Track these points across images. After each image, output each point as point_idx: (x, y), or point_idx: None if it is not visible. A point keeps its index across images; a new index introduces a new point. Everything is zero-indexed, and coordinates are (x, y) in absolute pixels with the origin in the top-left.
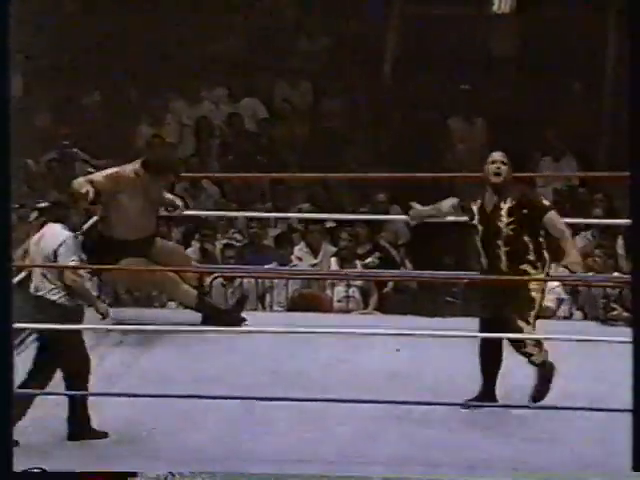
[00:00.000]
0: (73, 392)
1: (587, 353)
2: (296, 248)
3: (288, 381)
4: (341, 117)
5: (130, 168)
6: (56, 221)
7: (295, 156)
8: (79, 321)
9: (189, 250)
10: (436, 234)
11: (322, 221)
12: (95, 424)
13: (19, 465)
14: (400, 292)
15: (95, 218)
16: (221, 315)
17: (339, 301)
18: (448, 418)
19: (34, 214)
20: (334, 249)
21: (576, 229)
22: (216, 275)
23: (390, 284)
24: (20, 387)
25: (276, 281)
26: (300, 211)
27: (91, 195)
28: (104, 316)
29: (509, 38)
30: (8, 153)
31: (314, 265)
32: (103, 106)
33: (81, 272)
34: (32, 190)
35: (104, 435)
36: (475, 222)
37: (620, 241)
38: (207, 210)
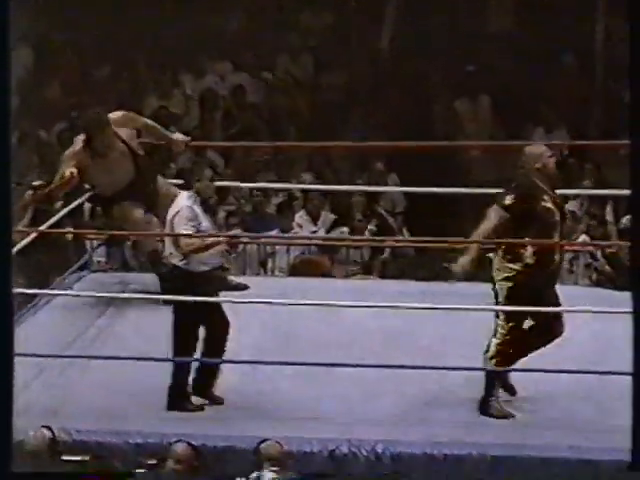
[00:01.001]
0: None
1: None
2: (297, 216)
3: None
4: (341, 90)
5: (79, 143)
6: (186, 189)
7: (295, 127)
8: (209, 286)
9: None
10: (432, 203)
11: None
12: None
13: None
14: (398, 258)
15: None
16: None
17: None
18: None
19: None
20: (333, 216)
21: (566, 197)
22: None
23: (388, 250)
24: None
25: (277, 247)
26: (301, 181)
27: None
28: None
29: (504, 14)
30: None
31: (314, 232)
32: (112, 79)
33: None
34: (42, 160)
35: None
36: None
37: (609, 208)
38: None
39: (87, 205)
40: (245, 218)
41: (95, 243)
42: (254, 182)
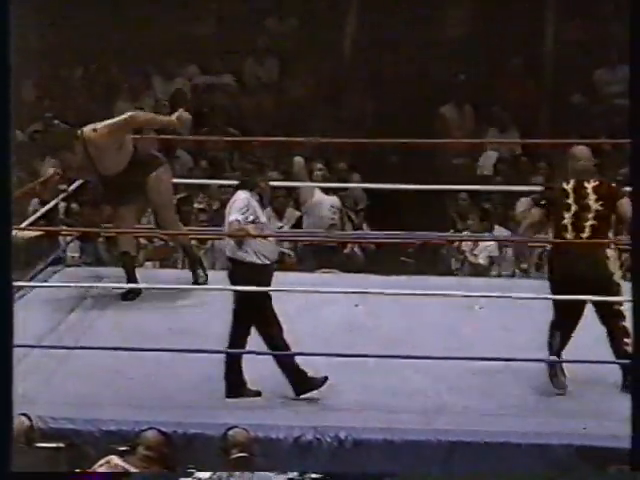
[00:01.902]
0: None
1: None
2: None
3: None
4: (305, 92)
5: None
6: (243, 189)
7: (262, 127)
8: (266, 279)
9: None
10: (392, 200)
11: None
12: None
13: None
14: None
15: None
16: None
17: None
18: (403, 367)
19: None
20: (298, 213)
21: (518, 195)
22: (190, 237)
23: (349, 246)
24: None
25: None
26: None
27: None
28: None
29: (459, 20)
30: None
31: (280, 228)
32: (85, 81)
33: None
34: (18, 160)
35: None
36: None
37: None
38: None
39: (62, 203)
40: (213, 215)
41: (68, 239)
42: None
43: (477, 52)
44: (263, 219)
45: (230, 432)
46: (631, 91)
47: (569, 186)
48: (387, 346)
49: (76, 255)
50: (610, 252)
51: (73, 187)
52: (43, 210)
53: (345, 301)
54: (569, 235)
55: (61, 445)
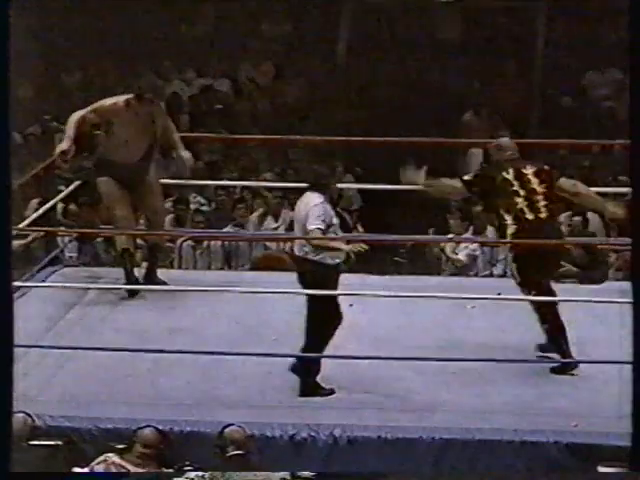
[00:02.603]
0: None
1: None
2: (255, 215)
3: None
4: (300, 95)
5: (123, 99)
6: (313, 190)
7: (257, 130)
8: (336, 277)
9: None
10: (384, 202)
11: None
12: None
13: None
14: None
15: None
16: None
17: None
18: (396, 365)
19: None
20: (292, 214)
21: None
22: (185, 237)
23: None
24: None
25: (241, 243)
26: (265, 180)
27: (71, 152)
28: None
29: (451, 24)
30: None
31: (275, 229)
32: (83, 84)
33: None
34: (15, 161)
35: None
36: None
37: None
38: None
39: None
40: (209, 216)
41: (67, 239)
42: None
43: (469, 56)
44: (335, 221)
45: (227, 430)
46: (631, 91)
47: (510, 175)
48: (381, 345)
49: (74, 255)
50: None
51: (71, 188)
52: (40, 211)
53: (341, 300)
54: (529, 216)
55: (59, 443)
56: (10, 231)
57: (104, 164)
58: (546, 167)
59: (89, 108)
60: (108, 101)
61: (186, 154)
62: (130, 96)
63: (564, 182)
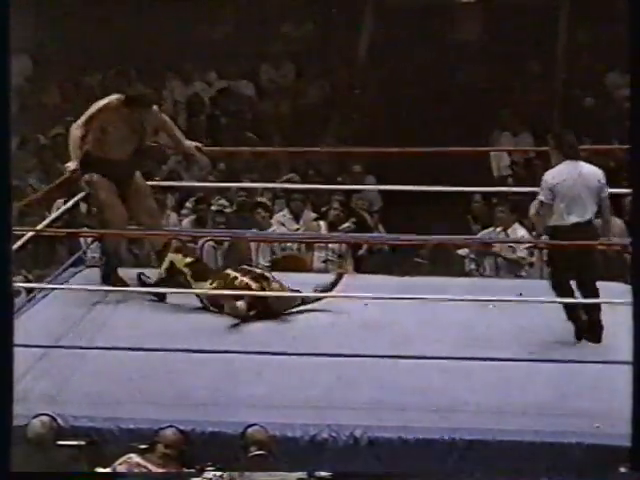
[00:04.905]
0: None
1: None
2: (279, 214)
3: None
4: (321, 96)
5: (115, 97)
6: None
7: (278, 131)
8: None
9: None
10: (405, 202)
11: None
12: None
13: None
14: (373, 254)
15: None
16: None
17: (324, 262)
18: (418, 365)
19: None
20: (314, 215)
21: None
22: (207, 239)
23: (365, 247)
24: None
25: (261, 244)
26: (288, 181)
27: (76, 167)
28: None
29: (472, 24)
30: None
31: (296, 230)
32: (104, 86)
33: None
34: (41, 163)
35: None
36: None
37: None
38: (199, 181)
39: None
40: (230, 217)
41: (89, 240)
42: (240, 182)
43: (490, 56)
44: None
45: (249, 430)
46: (632, 92)
47: None
48: (402, 344)
49: (97, 256)
50: None
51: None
52: (58, 212)
53: (360, 300)
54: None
55: (82, 443)
56: (10, 231)
57: (93, 161)
58: None
59: (82, 119)
60: (100, 102)
61: (191, 144)
62: (121, 96)
63: None
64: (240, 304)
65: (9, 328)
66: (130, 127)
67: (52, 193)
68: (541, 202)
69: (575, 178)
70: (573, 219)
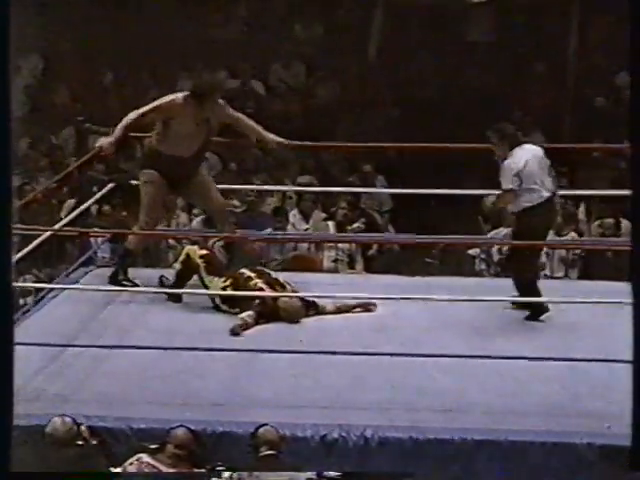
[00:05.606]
0: None
1: None
2: (290, 214)
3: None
4: (332, 96)
5: (181, 95)
6: None
7: (289, 132)
8: None
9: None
10: (416, 202)
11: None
12: None
13: None
14: (383, 254)
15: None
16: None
17: (334, 261)
18: (428, 366)
19: None
20: (324, 215)
21: None
22: (218, 238)
23: (375, 247)
24: None
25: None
26: (299, 182)
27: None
28: None
29: (483, 24)
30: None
31: (306, 230)
32: (117, 85)
33: None
34: (52, 162)
35: None
36: None
37: (582, 208)
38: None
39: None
40: (240, 217)
41: (100, 240)
42: (250, 183)
43: (501, 57)
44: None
45: (260, 430)
46: (632, 91)
47: None
48: (412, 344)
49: (107, 256)
50: None
51: (105, 190)
52: (74, 213)
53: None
54: None
55: (94, 442)
56: (10, 231)
57: (154, 155)
58: None
59: (148, 107)
60: (167, 98)
61: (275, 138)
62: (187, 93)
63: None
64: (248, 316)
65: (9, 328)
66: (195, 123)
67: (64, 184)
68: (511, 189)
69: (531, 159)
70: (544, 195)
